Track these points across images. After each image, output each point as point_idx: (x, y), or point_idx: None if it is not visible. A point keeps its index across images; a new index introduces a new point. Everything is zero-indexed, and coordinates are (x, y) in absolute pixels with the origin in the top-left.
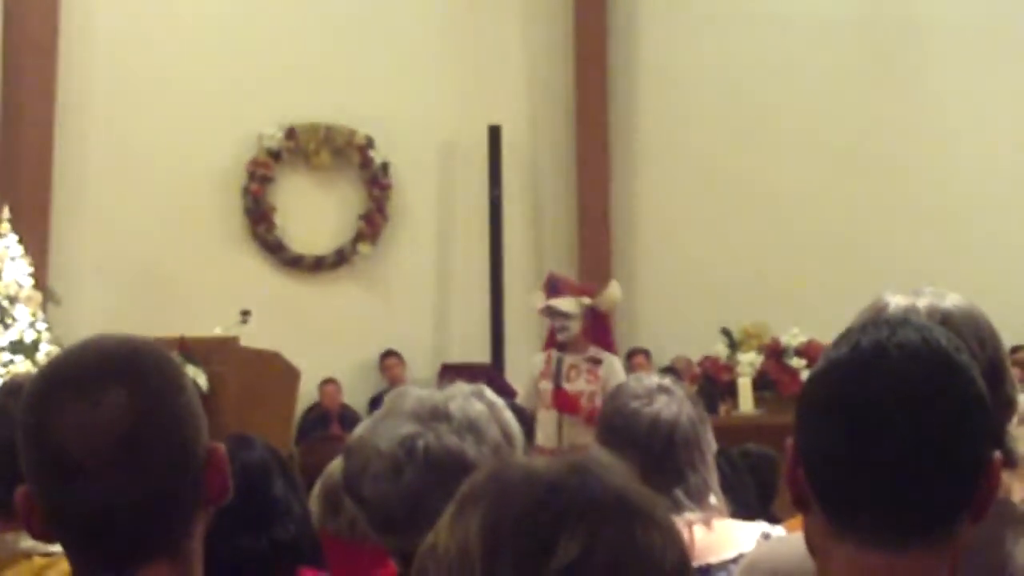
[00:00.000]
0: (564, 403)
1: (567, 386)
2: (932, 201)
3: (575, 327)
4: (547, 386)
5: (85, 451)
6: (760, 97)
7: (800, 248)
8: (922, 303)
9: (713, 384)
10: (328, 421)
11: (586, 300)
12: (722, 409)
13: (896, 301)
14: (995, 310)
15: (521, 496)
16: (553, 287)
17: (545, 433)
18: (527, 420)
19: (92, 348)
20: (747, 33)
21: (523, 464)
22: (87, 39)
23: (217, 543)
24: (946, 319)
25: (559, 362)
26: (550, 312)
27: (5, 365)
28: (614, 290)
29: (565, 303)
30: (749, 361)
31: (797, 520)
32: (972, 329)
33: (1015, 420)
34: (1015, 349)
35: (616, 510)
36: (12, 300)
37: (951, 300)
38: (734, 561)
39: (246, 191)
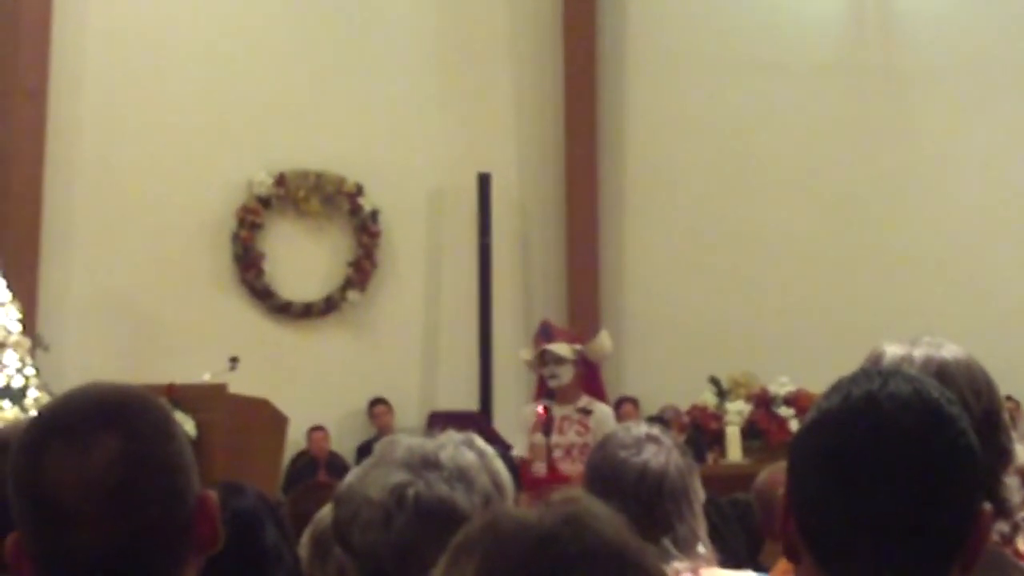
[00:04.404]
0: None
1: (558, 439)
2: (923, 249)
3: (567, 374)
4: (541, 440)
5: (76, 499)
6: (750, 145)
7: (789, 297)
8: (918, 353)
9: (701, 433)
10: (316, 468)
11: (578, 347)
12: (710, 458)
13: (893, 351)
14: (988, 358)
15: (516, 546)
16: (547, 333)
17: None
18: (516, 470)
19: (82, 396)
20: (736, 81)
21: (517, 514)
22: (77, 85)
23: None
24: (942, 369)
25: (550, 413)
26: (545, 357)
27: None
28: (604, 339)
29: (560, 348)
30: (737, 410)
31: (785, 567)
32: (968, 379)
33: (1010, 470)
34: (1006, 398)
35: (609, 561)
36: (0, 346)
37: (948, 350)
38: None
39: (235, 237)
